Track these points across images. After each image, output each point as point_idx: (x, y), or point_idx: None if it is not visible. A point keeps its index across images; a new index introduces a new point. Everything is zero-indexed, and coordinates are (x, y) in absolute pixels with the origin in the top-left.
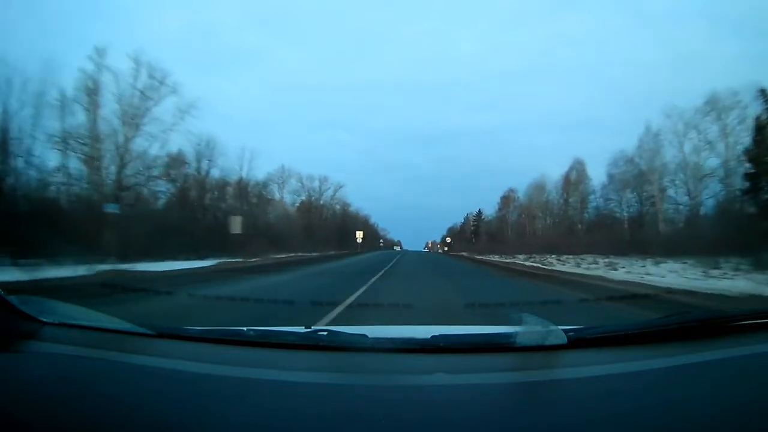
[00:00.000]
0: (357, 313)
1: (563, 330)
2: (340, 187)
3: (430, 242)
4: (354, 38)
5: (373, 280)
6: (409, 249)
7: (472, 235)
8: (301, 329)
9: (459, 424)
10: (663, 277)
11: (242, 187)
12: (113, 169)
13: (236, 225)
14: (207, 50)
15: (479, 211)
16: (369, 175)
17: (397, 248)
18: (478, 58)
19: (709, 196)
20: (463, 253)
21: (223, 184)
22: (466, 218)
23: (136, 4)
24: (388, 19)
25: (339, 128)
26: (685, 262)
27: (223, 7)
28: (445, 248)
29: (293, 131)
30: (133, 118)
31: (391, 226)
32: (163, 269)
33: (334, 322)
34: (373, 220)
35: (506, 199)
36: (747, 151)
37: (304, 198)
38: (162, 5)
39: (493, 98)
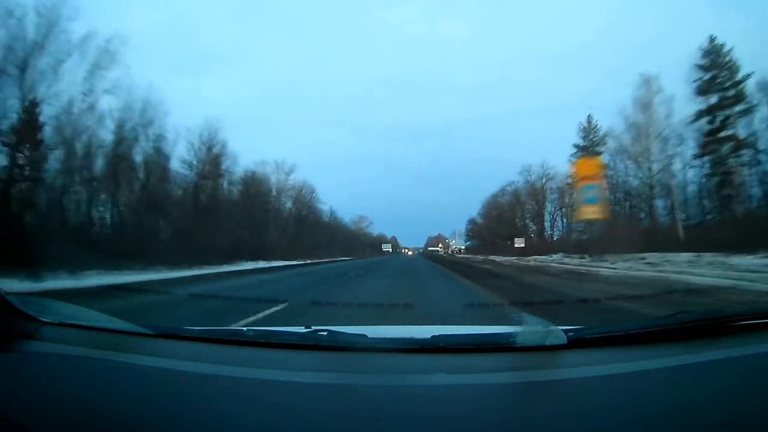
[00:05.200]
0: None
1: (563, 330)
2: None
3: (442, 240)
4: (345, 33)
5: None
6: (409, 246)
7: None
8: (301, 329)
9: (459, 423)
10: None
11: None
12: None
13: None
14: (189, 51)
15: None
16: (364, 172)
17: (387, 249)
18: (471, 46)
19: None
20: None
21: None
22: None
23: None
24: (379, 14)
25: (332, 126)
26: None
27: (204, 7)
28: (517, 253)
29: (283, 132)
30: None
31: (389, 224)
32: None
33: None
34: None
35: None
36: None
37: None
38: (136, 3)
39: (489, 88)
